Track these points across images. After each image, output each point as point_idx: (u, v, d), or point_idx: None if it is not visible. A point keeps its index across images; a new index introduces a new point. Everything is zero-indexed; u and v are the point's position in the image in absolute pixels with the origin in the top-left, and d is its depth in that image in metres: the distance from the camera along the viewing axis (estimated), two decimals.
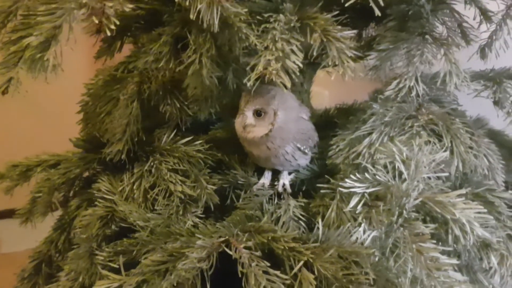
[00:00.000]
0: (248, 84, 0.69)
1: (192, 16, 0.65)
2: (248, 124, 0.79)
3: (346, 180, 0.73)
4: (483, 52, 1.01)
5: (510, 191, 0.88)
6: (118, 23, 0.58)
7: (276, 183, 0.87)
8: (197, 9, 0.65)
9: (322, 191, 0.80)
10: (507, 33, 0.98)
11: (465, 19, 0.97)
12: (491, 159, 0.87)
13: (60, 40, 0.66)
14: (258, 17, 0.75)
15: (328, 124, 1.00)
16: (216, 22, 0.67)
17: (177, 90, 0.87)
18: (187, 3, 0.66)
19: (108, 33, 0.58)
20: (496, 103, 0.95)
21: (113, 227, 0.85)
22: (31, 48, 0.66)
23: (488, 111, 0.99)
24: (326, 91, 1.53)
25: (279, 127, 0.79)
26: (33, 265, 0.97)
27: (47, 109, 2.08)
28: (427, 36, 0.86)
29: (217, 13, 0.66)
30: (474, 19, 0.98)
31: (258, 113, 0.79)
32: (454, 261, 0.62)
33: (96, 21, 0.57)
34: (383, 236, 0.67)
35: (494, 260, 0.75)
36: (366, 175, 0.72)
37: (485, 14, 0.98)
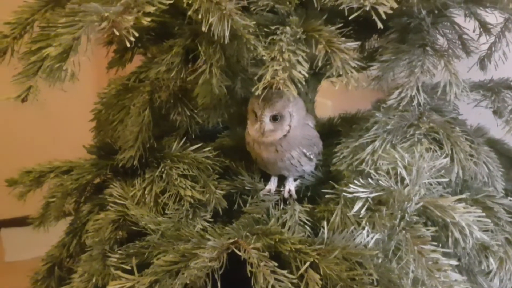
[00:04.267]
0: (256, 93, 0.73)
1: (204, 29, 0.69)
2: (267, 130, 0.82)
3: (350, 185, 0.75)
4: (482, 63, 1.04)
5: (509, 198, 0.91)
6: (137, 34, 0.61)
7: (282, 189, 0.90)
8: (209, 22, 0.69)
9: (327, 196, 0.83)
10: (505, 45, 1.01)
11: (465, 31, 1.00)
12: (491, 166, 0.89)
13: (78, 51, 0.69)
14: (265, 29, 0.78)
15: (332, 132, 1.03)
16: (227, 34, 0.70)
17: (187, 99, 0.90)
18: (199, 17, 0.69)
19: (128, 44, 0.61)
20: (495, 112, 0.97)
21: (124, 232, 0.87)
22: (50, 58, 0.69)
23: (488, 121, 1.02)
24: (330, 102, 1.56)
25: (291, 130, 0.82)
26: (46, 268, 0.99)
27: (59, 117, 2.12)
28: (427, 48, 0.89)
29: (227, 25, 0.69)
30: (474, 31, 1.01)
31: (274, 118, 0.82)
32: (454, 262, 0.65)
33: (117, 33, 0.60)
34: (385, 239, 0.70)
35: (493, 263, 0.77)
36: (369, 180, 0.75)
37: (485, 27, 1.01)
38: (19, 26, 0.86)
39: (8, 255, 2.35)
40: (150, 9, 0.61)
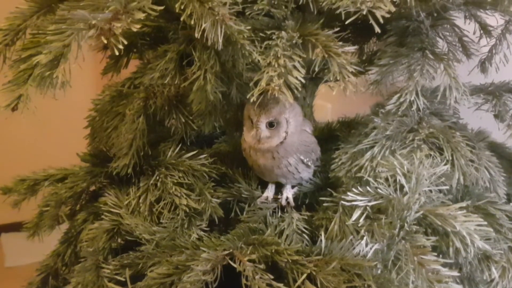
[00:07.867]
0: (252, 100, 0.71)
1: (197, 35, 0.67)
2: (264, 137, 0.80)
3: (348, 193, 0.74)
4: (483, 66, 1.03)
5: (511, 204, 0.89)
6: (126, 42, 0.60)
7: (279, 196, 0.88)
8: (202, 27, 0.67)
9: (325, 204, 0.81)
10: (506, 47, 1.00)
11: (465, 34, 0.98)
12: (492, 171, 0.88)
13: (68, 58, 0.67)
14: (261, 34, 0.77)
15: (330, 137, 1.02)
16: (220, 40, 0.68)
17: (182, 105, 0.89)
18: (192, 22, 0.68)
19: (116, 53, 0.59)
20: (496, 116, 0.96)
21: (119, 240, 0.86)
22: (40, 66, 0.67)
23: (490, 124, 1.00)
24: (329, 105, 1.55)
25: (288, 136, 0.81)
26: (40, 278, 0.98)
27: (54, 124, 2.11)
28: (427, 51, 0.87)
29: (221, 31, 0.68)
30: (474, 33, 1.00)
31: (271, 124, 0.80)
32: (455, 273, 0.63)
33: (105, 41, 0.59)
34: (385, 249, 0.68)
35: (495, 272, 0.76)
36: (368, 188, 0.73)
37: (485, 29, 1.00)
38: (11, 33, 0.84)
39: (8, 260, 2.34)
40: (140, 15, 0.59)
